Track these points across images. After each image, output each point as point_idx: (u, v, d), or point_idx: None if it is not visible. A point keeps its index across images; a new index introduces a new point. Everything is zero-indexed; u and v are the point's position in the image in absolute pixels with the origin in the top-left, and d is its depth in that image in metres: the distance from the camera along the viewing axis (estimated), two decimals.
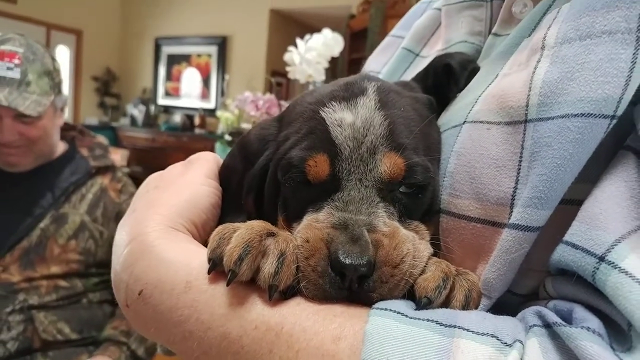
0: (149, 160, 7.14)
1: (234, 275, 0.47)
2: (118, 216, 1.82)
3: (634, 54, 0.41)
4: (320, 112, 0.58)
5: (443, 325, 0.41)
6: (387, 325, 0.41)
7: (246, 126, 3.56)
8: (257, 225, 0.51)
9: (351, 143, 0.55)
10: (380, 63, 0.89)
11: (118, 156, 6.06)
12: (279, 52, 3.29)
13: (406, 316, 0.43)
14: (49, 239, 1.66)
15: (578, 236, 0.41)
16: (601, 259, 0.39)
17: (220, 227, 0.52)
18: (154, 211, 0.58)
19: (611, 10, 0.44)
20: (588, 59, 0.43)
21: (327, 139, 0.56)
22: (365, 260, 0.47)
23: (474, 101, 0.56)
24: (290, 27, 7.78)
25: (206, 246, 0.53)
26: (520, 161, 0.47)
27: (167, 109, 8.52)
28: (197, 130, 7.80)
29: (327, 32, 2.92)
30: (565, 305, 0.42)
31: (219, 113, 3.82)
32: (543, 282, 0.47)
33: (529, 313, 0.44)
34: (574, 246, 0.41)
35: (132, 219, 0.59)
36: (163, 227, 0.56)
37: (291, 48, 2.90)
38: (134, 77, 8.95)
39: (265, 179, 0.63)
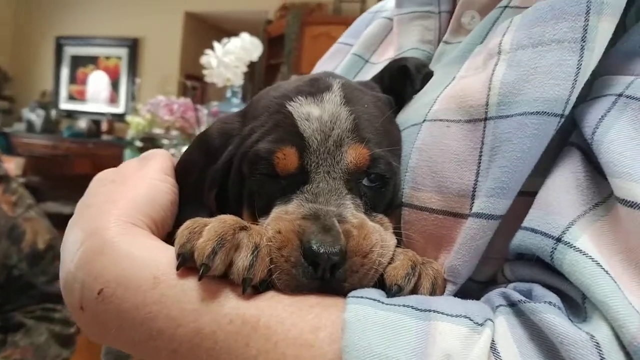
0: (50, 168, 6.60)
1: (207, 269, 0.46)
2: (11, 232, 1.66)
3: (578, 60, 0.47)
4: (287, 106, 0.59)
5: (419, 309, 0.43)
6: (366, 312, 0.43)
7: (159, 131, 3.43)
8: (229, 219, 0.50)
9: (319, 136, 0.57)
10: (329, 68, 0.91)
11: (12, 165, 5.57)
12: (193, 55, 3.22)
13: (382, 303, 0.44)
14: None
15: (536, 221, 0.46)
16: (558, 240, 0.43)
17: (189, 222, 0.51)
18: (113, 206, 0.55)
19: (559, 21, 0.49)
20: (540, 63, 0.49)
21: (295, 132, 0.57)
22: (337, 249, 0.48)
23: (432, 102, 0.59)
24: (205, 30, 7.64)
25: (167, 243, 0.51)
26: (481, 155, 0.51)
27: (71, 114, 7.97)
28: (105, 137, 7.40)
29: (245, 36, 2.91)
30: (524, 286, 0.46)
31: (129, 118, 3.70)
32: (501, 268, 0.51)
33: (494, 295, 0.47)
34: (533, 230, 0.45)
35: (88, 215, 0.56)
36: (123, 223, 0.53)
37: (208, 51, 2.86)
38: (31, 78, 8.24)
39: (229, 174, 0.62)
